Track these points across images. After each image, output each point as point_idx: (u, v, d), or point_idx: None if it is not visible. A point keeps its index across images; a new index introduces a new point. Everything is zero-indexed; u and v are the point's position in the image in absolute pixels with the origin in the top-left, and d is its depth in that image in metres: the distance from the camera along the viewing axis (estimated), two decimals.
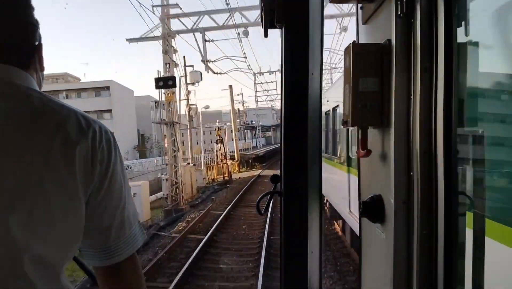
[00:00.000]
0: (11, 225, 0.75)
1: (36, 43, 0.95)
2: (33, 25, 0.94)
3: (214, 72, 17.30)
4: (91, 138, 0.85)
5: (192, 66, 18.09)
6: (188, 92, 19.35)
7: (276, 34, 1.41)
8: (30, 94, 0.85)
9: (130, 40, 15.42)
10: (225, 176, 24.83)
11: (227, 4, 13.94)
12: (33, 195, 0.78)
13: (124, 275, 0.97)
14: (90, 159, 0.85)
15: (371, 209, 1.25)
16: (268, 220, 10.63)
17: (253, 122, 60.09)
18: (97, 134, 0.87)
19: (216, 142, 28.13)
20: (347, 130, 6.72)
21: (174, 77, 14.29)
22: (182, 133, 19.88)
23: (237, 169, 29.96)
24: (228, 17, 14.93)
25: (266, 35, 1.32)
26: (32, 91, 0.87)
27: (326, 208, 9.32)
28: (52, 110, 0.84)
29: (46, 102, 0.85)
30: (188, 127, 21.03)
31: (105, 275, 0.97)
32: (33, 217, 0.78)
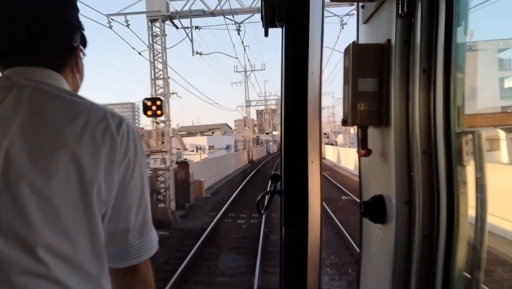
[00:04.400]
0: (34, 219, 0.76)
1: (75, 44, 0.95)
2: (73, 26, 0.94)
3: None
4: (120, 137, 0.86)
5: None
6: None
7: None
8: (60, 94, 0.86)
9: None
10: None
11: None
12: (58, 192, 0.78)
13: (141, 276, 0.97)
14: (116, 156, 0.86)
15: (372, 209, 1.24)
16: None
17: None
18: (125, 133, 0.88)
19: None
20: None
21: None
22: None
23: None
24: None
25: (266, 34, 1.31)
26: (63, 91, 0.87)
27: None
28: (81, 109, 0.85)
29: (75, 102, 0.86)
30: None
31: (123, 276, 0.96)
32: (58, 218, 0.78)
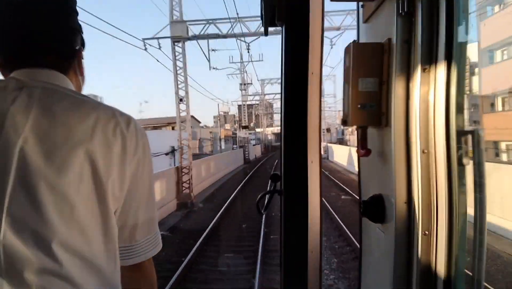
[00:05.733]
0: (49, 214, 0.77)
1: (77, 47, 0.99)
2: (75, 30, 0.98)
3: None
4: (129, 135, 0.89)
5: None
6: None
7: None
8: (69, 94, 0.89)
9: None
10: None
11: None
12: (73, 188, 0.81)
13: (145, 274, 0.99)
14: (127, 153, 0.88)
15: (372, 208, 1.24)
16: None
17: None
18: (134, 131, 0.91)
19: None
20: None
21: None
22: None
23: None
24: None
25: (266, 33, 1.31)
26: (70, 92, 0.91)
27: None
28: (91, 107, 0.88)
29: (85, 100, 0.89)
30: None
31: (128, 274, 0.97)
32: (73, 213, 0.80)
